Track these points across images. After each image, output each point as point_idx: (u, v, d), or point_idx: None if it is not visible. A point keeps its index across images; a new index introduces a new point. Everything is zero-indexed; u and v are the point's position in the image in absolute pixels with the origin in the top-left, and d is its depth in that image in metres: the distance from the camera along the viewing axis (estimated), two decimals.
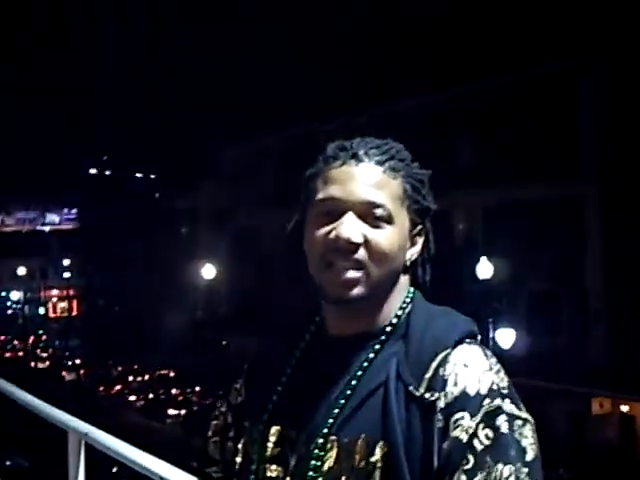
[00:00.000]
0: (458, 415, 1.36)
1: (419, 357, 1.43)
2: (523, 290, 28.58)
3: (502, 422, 1.36)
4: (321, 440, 1.45)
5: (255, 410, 1.60)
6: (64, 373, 49.10)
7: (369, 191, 1.49)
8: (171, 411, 34.94)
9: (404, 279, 1.58)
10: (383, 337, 1.50)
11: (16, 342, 62.90)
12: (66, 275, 68.09)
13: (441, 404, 1.37)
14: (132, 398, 39.24)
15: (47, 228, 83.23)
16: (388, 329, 1.51)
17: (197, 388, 38.91)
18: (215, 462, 1.69)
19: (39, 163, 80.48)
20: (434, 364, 1.41)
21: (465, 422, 1.35)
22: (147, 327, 50.59)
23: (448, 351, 1.42)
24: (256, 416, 1.59)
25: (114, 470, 19.69)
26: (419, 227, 1.58)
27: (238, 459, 1.62)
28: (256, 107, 50.27)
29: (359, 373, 1.48)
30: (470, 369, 1.40)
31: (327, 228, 1.50)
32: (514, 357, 23.71)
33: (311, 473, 1.44)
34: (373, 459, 1.40)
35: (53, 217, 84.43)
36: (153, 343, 47.80)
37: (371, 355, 1.49)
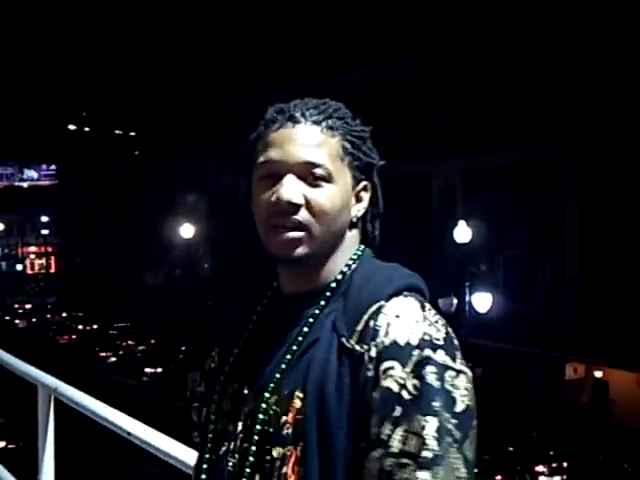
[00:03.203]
0: (388, 364, 1.37)
1: (354, 310, 1.46)
2: (500, 255, 28.72)
3: (428, 373, 1.36)
4: (267, 394, 1.50)
5: (217, 372, 1.66)
6: (17, 321, 49.26)
7: (307, 151, 1.52)
8: (148, 369, 34.87)
9: (351, 235, 1.60)
10: (328, 293, 1.54)
11: None
12: (44, 232, 67.69)
13: (372, 354, 1.39)
14: (103, 353, 39.23)
15: (25, 184, 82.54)
16: (333, 285, 1.55)
17: (152, 341, 39.19)
18: (196, 427, 1.73)
19: (17, 118, 79.78)
20: (365, 317, 1.44)
21: (396, 372, 1.36)
22: (124, 284, 50.52)
23: (381, 303, 1.45)
24: (216, 377, 1.65)
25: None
26: (364, 183, 1.61)
27: (198, 418, 1.69)
28: (238, 66, 50.00)
29: (305, 329, 1.52)
30: (402, 320, 1.42)
31: (269, 191, 1.53)
32: (490, 321, 23.90)
33: (258, 427, 1.49)
34: (294, 410, 1.45)
35: (31, 173, 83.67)
36: (127, 299, 47.85)
37: (316, 311, 1.52)
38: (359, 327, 1.43)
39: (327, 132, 1.54)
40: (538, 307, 27.40)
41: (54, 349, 38.19)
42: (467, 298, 22.96)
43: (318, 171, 1.51)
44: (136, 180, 54.38)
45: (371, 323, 1.42)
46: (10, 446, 21.90)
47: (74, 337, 42.30)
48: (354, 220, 1.59)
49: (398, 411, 1.34)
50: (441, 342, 1.40)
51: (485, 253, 25.94)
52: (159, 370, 34.19)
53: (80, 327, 44.83)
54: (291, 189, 1.49)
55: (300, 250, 1.50)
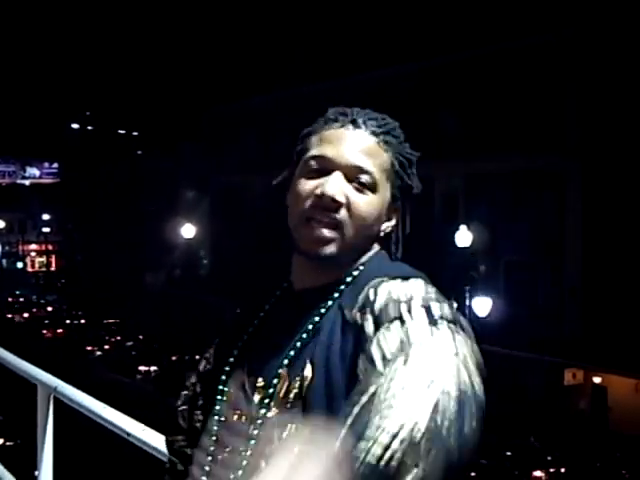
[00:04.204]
0: (387, 323, 1.33)
1: (359, 288, 1.48)
2: (501, 260, 28.72)
3: (436, 308, 1.33)
4: (275, 380, 1.52)
5: (216, 370, 1.66)
6: (9, 315, 49.97)
7: (359, 156, 1.55)
8: (142, 367, 34.89)
9: (376, 248, 1.63)
10: (342, 287, 1.55)
11: None
12: (45, 230, 67.67)
13: (370, 318, 1.38)
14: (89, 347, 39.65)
15: (27, 182, 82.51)
16: (348, 279, 1.56)
17: (140, 336, 39.61)
18: (182, 431, 1.74)
19: (21, 116, 79.83)
20: (367, 288, 1.45)
21: (390, 310, 1.34)
22: (125, 283, 50.55)
23: (385, 279, 1.45)
24: (217, 374, 1.64)
25: None
26: (398, 203, 1.63)
27: (198, 417, 1.70)
28: (240, 69, 50.02)
29: (316, 319, 1.53)
30: (404, 285, 1.40)
31: (313, 183, 1.55)
32: (490, 326, 23.89)
33: (263, 411, 1.51)
34: (303, 388, 1.47)
35: (33, 171, 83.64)
36: (127, 298, 47.96)
37: (329, 303, 1.54)
38: (361, 296, 1.45)
39: (382, 145, 1.58)
40: (538, 312, 27.39)
41: (43, 343, 39.02)
42: (467, 302, 22.97)
43: (365, 177, 1.54)
44: (138, 180, 54.41)
45: (371, 292, 1.43)
46: (8, 443, 21.88)
47: (61, 331, 43.16)
48: (381, 235, 1.62)
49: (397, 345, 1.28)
50: (447, 303, 1.37)
51: (486, 257, 25.93)
52: (153, 368, 34.29)
53: (69, 321, 45.78)
54: (336, 187, 1.52)
55: (329, 249, 1.52)
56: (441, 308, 1.34)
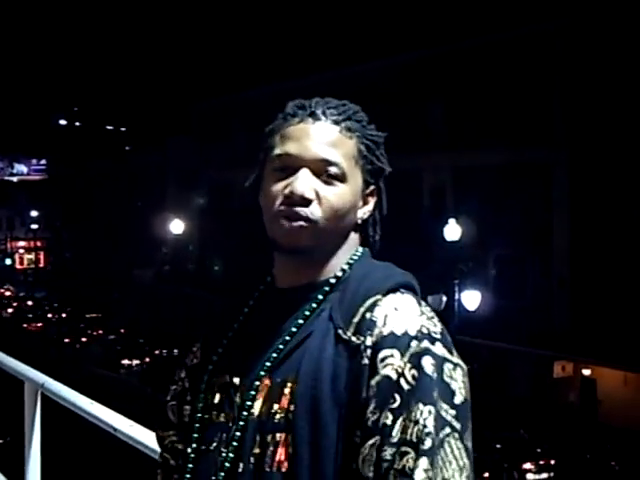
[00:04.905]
0: (386, 352, 1.39)
1: (351, 303, 1.47)
2: (490, 253, 28.75)
3: (427, 364, 1.39)
4: (257, 382, 1.50)
5: (202, 366, 1.65)
6: None
7: (324, 149, 1.53)
8: (125, 361, 34.90)
9: (354, 237, 1.62)
10: (327, 288, 1.54)
11: None
12: (33, 227, 67.52)
13: (368, 342, 1.41)
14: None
15: (15, 179, 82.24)
16: (332, 281, 1.55)
17: (122, 330, 40.08)
18: (172, 426, 1.73)
19: (8, 113, 79.53)
20: (362, 309, 1.45)
21: (395, 361, 1.39)
22: (113, 280, 50.49)
23: (378, 297, 1.46)
24: (202, 371, 1.63)
25: None
26: (372, 187, 1.62)
27: (187, 412, 1.68)
28: (229, 63, 49.94)
29: (300, 321, 1.52)
30: (400, 312, 1.44)
31: (282, 183, 1.53)
32: (479, 319, 23.93)
33: (245, 414, 1.50)
34: (287, 397, 1.46)
35: (21, 167, 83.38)
36: (115, 294, 47.95)
37: (314, 305, 1.53)
38: (355, 319, 1.45)
39: (345, 133, 1.56)
40: (527, 305, 27.44)
41: (25, 336, 40.01)
42: (456, 296, 22.99)
43: (333, 169, 1.52)
44: (126, 176, 54.29)
45: (368, 315, 1.44)
46: None
47: (40, 325, 44.01)
48: (359, 222, 1.61)
49: (397, 400, 1.36)
50: (438, 335, 1.43)
51: (475, 251, 25.95)
52: (135, 362, 34.32)
53: (50, 315, 46.53)
54: (305, 184, 1.50)
55: (305, 241, 1.51)
56: (433, 346, 1.41)
